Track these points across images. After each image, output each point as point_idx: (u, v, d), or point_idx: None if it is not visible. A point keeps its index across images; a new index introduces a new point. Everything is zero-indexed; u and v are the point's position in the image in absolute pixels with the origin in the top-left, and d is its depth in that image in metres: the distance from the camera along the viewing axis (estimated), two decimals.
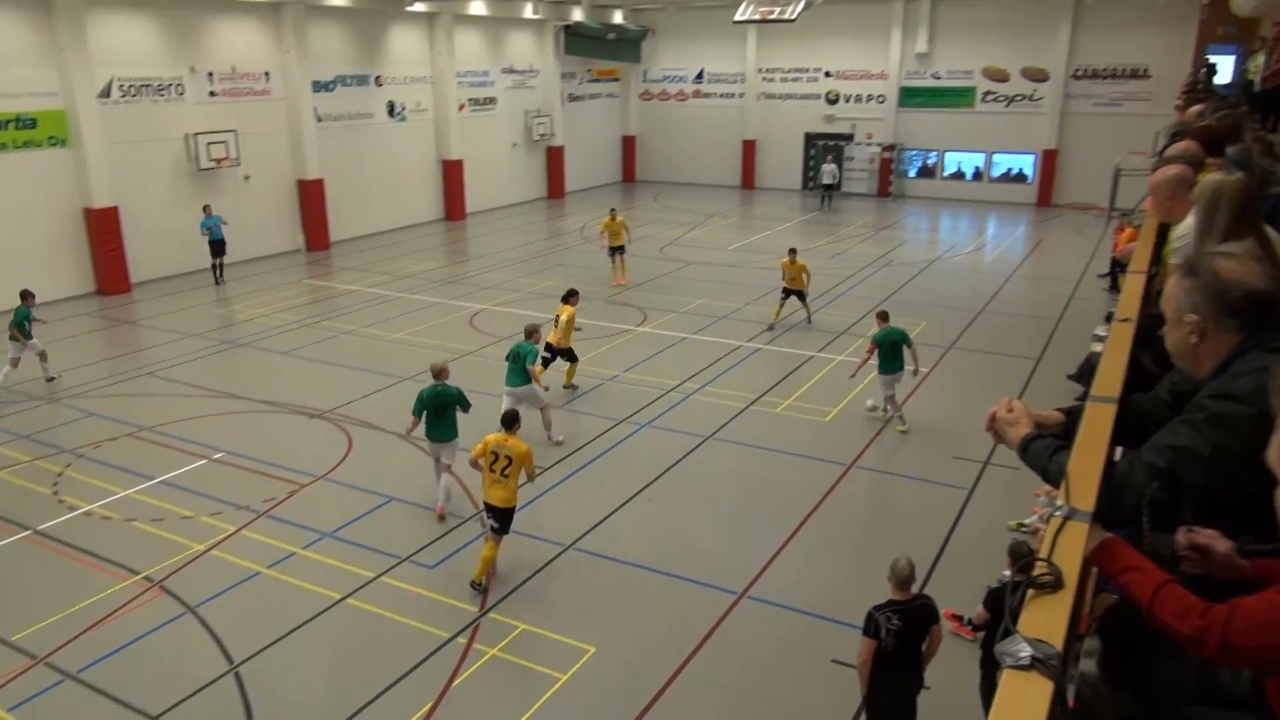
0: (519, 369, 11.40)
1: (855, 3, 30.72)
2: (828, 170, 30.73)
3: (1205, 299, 2.47)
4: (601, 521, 9.79)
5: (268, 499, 10.33)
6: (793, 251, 16.59)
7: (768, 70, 33.78)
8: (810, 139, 33.40)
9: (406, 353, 15.42)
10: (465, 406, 9.87)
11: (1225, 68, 23.98)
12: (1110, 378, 3.15)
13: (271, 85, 22.81)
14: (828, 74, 32.74)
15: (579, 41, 32.18)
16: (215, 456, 11.47)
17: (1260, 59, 15.84)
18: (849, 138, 32.65)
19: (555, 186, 32.91)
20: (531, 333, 11.73)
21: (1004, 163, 30.81)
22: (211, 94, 21.51)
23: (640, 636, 7.85)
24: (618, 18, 33.96)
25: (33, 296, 14.13)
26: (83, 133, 18.83)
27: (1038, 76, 29.56)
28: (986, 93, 30.38)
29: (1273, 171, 10.21)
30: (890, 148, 31.71)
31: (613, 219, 19.67)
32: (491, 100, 30.05)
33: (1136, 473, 2.40)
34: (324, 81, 24.19)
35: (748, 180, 34.71)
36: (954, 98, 30.90)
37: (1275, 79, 14.54)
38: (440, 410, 9.75)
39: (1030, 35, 29.25)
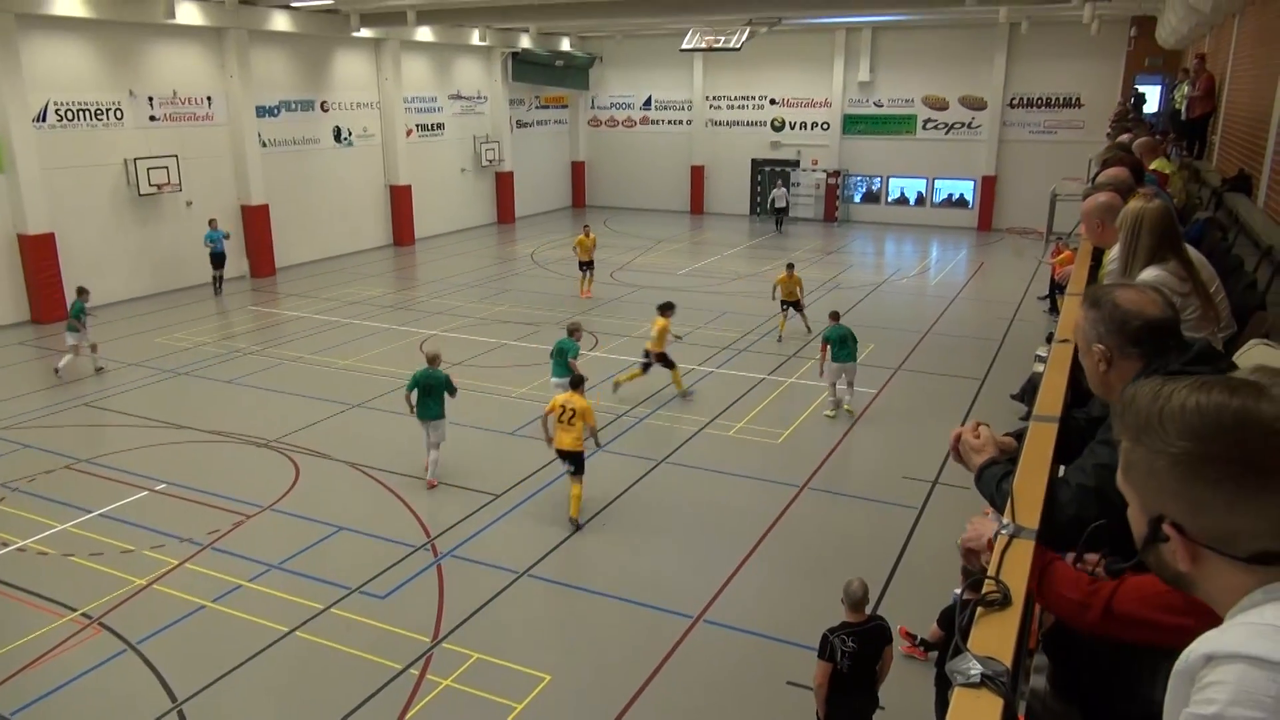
0: (561, 363, 12.26)
1: (798, 32, 31.35)
2: (778, 194, 31.22)
3: (1108, 329, 2.59)
4: (554, 548, 9.74)
5: (212, 531, 10.09)
6: (790, 266, 17.94)
7: (714, 98, 34.25)
8: (757, 165, 33.89)
9: (355, 380, 15.23)
10: (452, 391, 11.09)
11: (1153, 97, 24.98)
12: (1051, 398, 3.25)
13: (214, 110, 22.51)
14: (773, 101, 33.30)
15: (527, 68, 32.35)
16: (157, 488, 11.19)
17: (1184, 89, 16.53)
18: (795, 164, 33.20)
19: (505, 212, 32.89)
20: (574, 331, 12.51)
21: (945, 188, 31.58)
22: (152, 119, 21.15)
23: (596, 663, 7.81)
24: (565, 45, 34.22)
25: (88, 292, 15.61)
26: (17, 158, 18.37)
27: (976, 105, 30.42)
28: (927, 120, 31.16)
29: (1199, 199, 10.64)
30: (835, 174, 32.31)
31: (586, 235, 20.98)
32: (440, 126, 30.00)
33: (1064, 493, 2.50)
34: (268, 106, 23.94)
35: (696, 205, 35.06)
36: (896, 125, 31.64)
37: (1200, 108, 15.18)
38: (429, 390, 10.98)
39: (968, 65, 30.12)
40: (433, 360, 11.16)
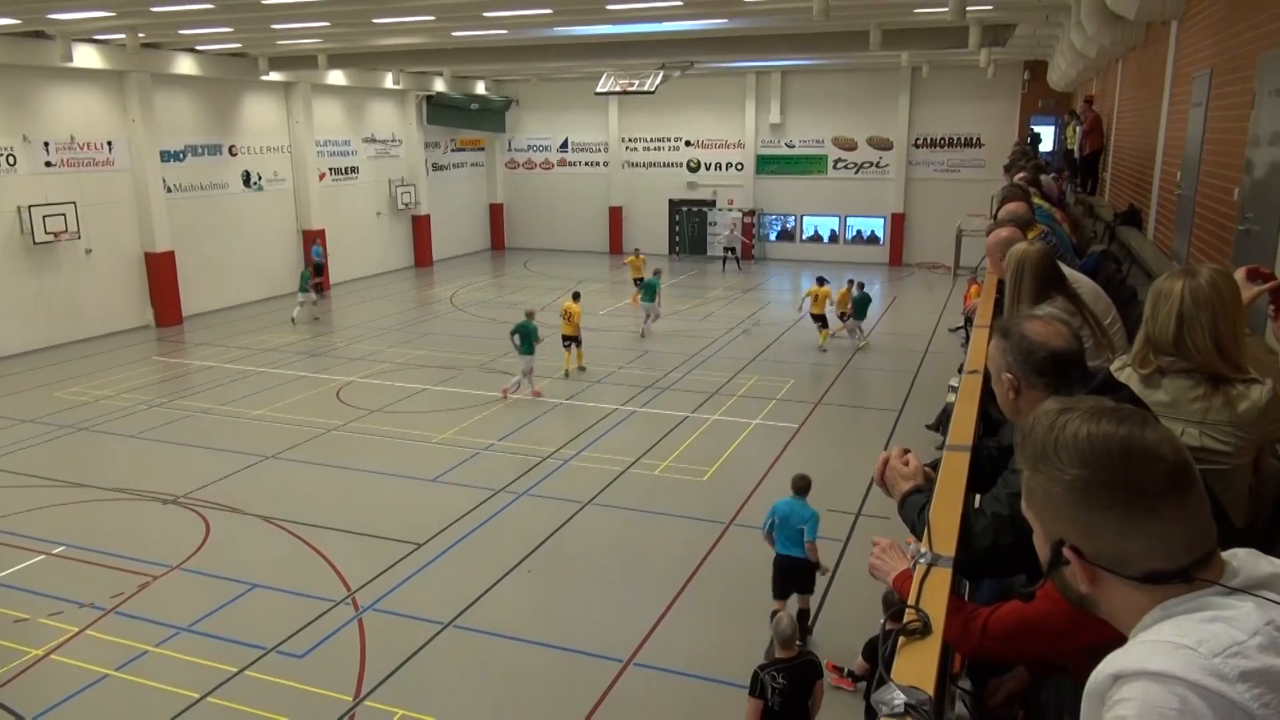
0: (528, 343, 15.87)
1: (711, 76, 32.10)
2: (727, 234, 31.83)
3: (1016, 359, 2.69)
4: (480, 597, 9.56)
5: (115, 594, 9.61)
6: (820, 280, 20.07)
7: (631, 139, 34.73)
8: (674, 205, 34.40)
9: (268, 430, 14.78)
10: (538, 338, 16.05)
11: (1048, 136, 26.29)
12: (963, 427, 3.35)
13: (115, 155, 21.83)
14: (688, 143, 33.93)
15: (442, 111, 32.33)
16: (54, 551, 10.61)
17: (1075, 129, 17.46)
18: (711, 204, 33.81)
19: (422, 255, 32.59)
20: (531, 314, 16.38)
21: (857, 225, 32.54)
22: (48, 164, 20.40)
23: (526, 713, 7.66)
24: (480, 88, 34.34)
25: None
26: None
27: (883, 145, 31.53)
28: (837, 160, 32.14)
29: (1094, 232, 11.19)
30: (751, 213, 33.00)
31: (637, 255, 23.57)
32: (354, 169, 29.68)
33: (979, 522, 2.57)
34: (173, 151, 23.35)
35: (615, 246, 35.32)
36: (808, 165, 32.55)
37: (1090, 145, 16.04)
38: (525, 336, 15.75)
39: (874, 107, 31.24)
40: (530, 315, 16.25)
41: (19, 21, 17.19)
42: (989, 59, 21.82)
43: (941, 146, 31.00)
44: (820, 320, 20.01)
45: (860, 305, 19.99)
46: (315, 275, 25.61)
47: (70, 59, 19.19)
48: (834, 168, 32.21)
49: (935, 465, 3.07)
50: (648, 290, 21.04)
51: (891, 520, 3.04)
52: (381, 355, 19.78)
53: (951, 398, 11.13)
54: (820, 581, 9.28)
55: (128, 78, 21.63)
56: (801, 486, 8.36)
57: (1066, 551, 1.52)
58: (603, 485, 12.38)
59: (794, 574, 8.29)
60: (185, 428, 15.06)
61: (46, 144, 20.34)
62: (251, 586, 9.78)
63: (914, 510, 2.80)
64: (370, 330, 22.44)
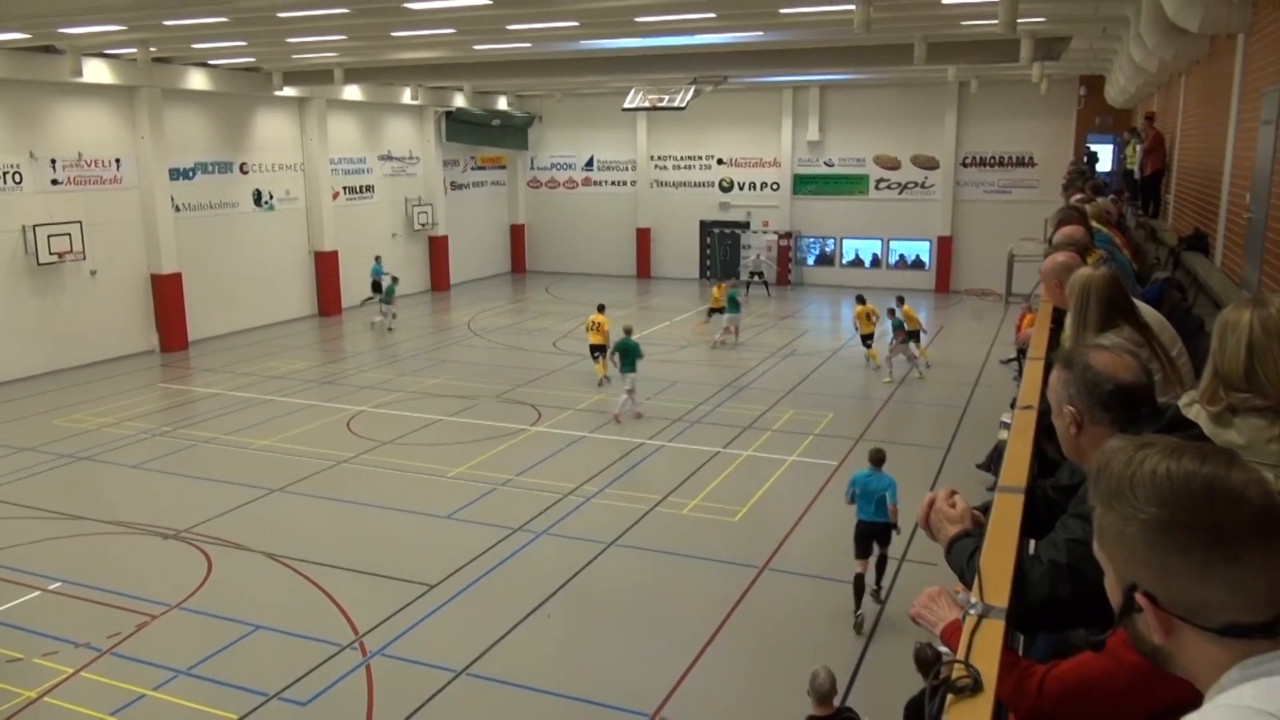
0: (630, 361, 16.92)
1: (745, 91, 32.31)
2: (754, 258, 32.01)
3: (1079, 391, 2.65)
4: (496, 643, 9.54)
5: (112, 634, 9.69)
6: (860, 298, 20.99)
7: (660, 157, 34.97)
8: (706, 227, 34.51)
9: (274, 461, 14.91)
10: (640, 355, 17.04)
11: (1106, 155, 26.16)
12: (1016, 467, 3.31)
13: (123, 173, 22.32)
14: (720, 161, 34.10)
15: (462, 128, 32.76)
16: (50, 587, 10.73)
17: (1135, 148, 17.35)
18: (745, 225, 33.88)
19: (439, 278, 32.89)
20: (630, 330, 17.78)
21: (901, 249, 32.45)
22: (54, 182, 20.89)
23: None
24: (502, 104, 34.77)
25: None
26: None
27: (928, 164, 31.50)
28: (880, 180, 32.13)
29: (1156, 258, 11.09)
30: (787, 235, 33.02)
31: (719, 288, 23.80)
32: (369, 188, 30.10)
33: (1035, 570, 2.52)
34: (182, 169, 23.82)
35: (643, 269, 35.47)
36: (848, 185, 32.57)
37: (1151, 165, 15.92)
38: (626, 353, 16.86)
39: (918, 124, 31.24)
40: (628, 331, 17.52)
41: (29, 36, 17.66)
42: (1042, 73, 21.80)
43: (991, 166, 30.92)
44: (868, 341, 20.69)
45: (895, 326, 20.05)
46: (374, 291, 27.61)
47: (80, 74, 19.68)
48: (876, 188, 32.20)
49: (985, 508, 3.03)
50: (731, 302, 23.06)
51: (938, 567, 3.00)
52: (395, 384, 19.93)
53: (1003, 435, 11.01)
54: (858, 642, 9.15)
55: (138, 93, 22.15)
56: (878, 459, 10.10)
57: (1140, 597, 1.49)
58: (627, 525, 12.33)
59: (873, 535, 9.91)
60: (189, 458, 15.22)
61: (53, 161, 20.84)
62: (254, 628, 9.83)
63: (962, 556, 2.76)
64: (383, 357, 22.63)
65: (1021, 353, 18.14)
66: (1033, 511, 2.99)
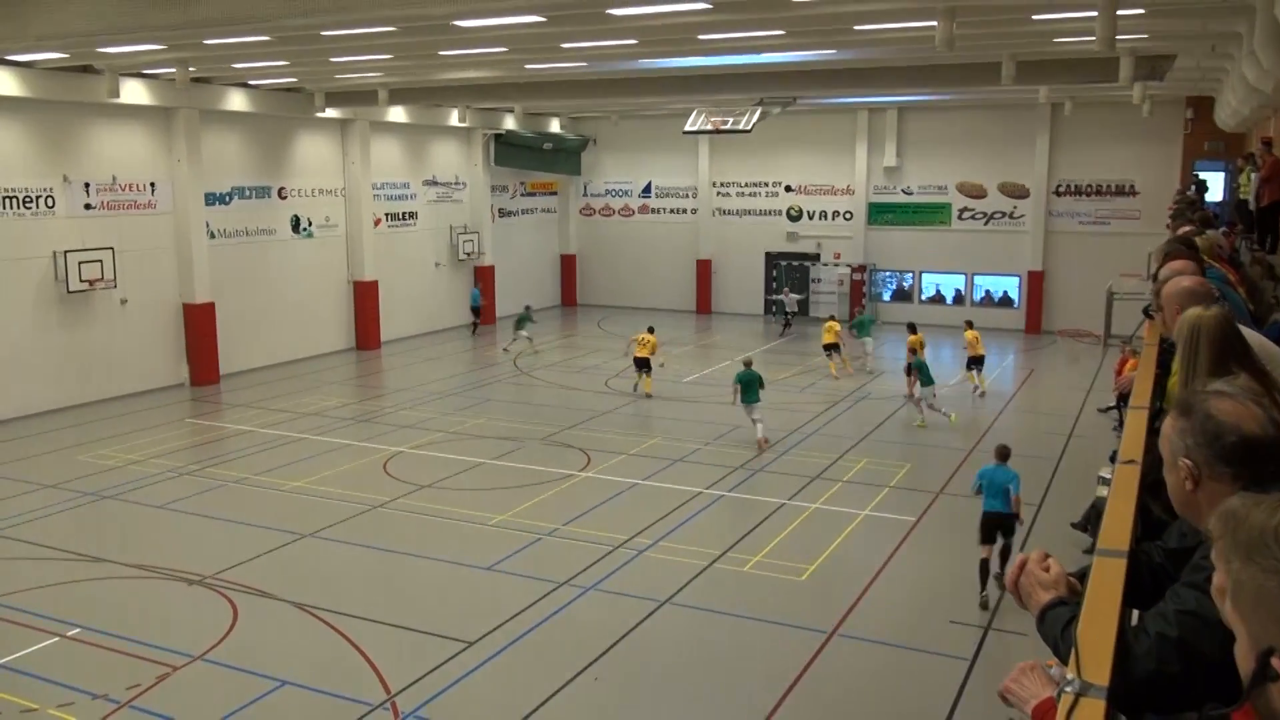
0: (753, 391, 18.04)
1: (816, 113, 32.39)
2: (788, 300, 31.79)
3: (1198, 443, 2.55)
4: (538, 707, 9.48)
5: (132, 685, 9.84)
6: (911, 327, 22.04)
7: (723, 184, 35.15)
8: (772, 259, 34.50)
9: (307, 504, 15.11)
10: (763, 384, 18.27)
11: (1216, 184, 25.65)
12: (1117, 528, 3.20)
13: (157, 197, 23.04)
14: (789, 188, 34.17)
15: (511, 151, 33.28)
16: (69, 633, 10.95)
17: (1251, 175, 16.97)
18: (815, 258, 33.81)
19: (485, 311, 33.26)
20: (749, 362, 18.96)
21: (986, 285, 32.08)
22: (87, 207, 21.63)
23: None
24: (555, 126, 35.30)
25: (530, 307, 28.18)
26: None
27: (1017, 193, 31.19)
28: (963, 209, 31.89)
29: (1275, 298, 10.82)
30: (860, 268, 32.86)
31: (832, 321, 25.07)
32: (412, 215, 30.66)
33: (1141, 644, 2.43)
34: (219, 194, 24.51)
35: (703, 304, 35.54)
36: (928, 215, 32.37)
37: (1269, 196, 15.56)
38: (746, 385, 18.04)
39: (1006, 149, 31.00)
40: (748, 364, 18.73)
41: (67, 55, 18.43)
42: (1144, 94, 21.51)
43: (1088, 195, 30.52)
44: (972, 363, 22.33)
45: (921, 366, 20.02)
46: (474, 316, 31.21)
47: (117, 94, 20.41)
48: (959, 218, 31.95)
49: (1083, 574, 2.95)
50: (861, 326, 25.74)
51: (1029, 637, 2.93)
52: (435, 423, 20.13)
53: (1102, 492, 10.81)
54: (939, 709, 8.92)
55: (175, 114, 22.92)
56: (1004, 454, 11.99)
57: (1277, 663, 1.43)
58: (683, 581, 12.24)
59: (998, 525, 11.60)
60: (217, 499, 15.50)
61: (87, 185, 21.61)
62: (280, 684, 9.91)
63: (1056, 626, 2.68)
64: (423, 395, 22.90)
65: (1122, 400, 17.75)
66: (1136, 578, 2.90)
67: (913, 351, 20.44)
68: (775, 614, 11.40)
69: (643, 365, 22.22)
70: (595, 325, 33.25)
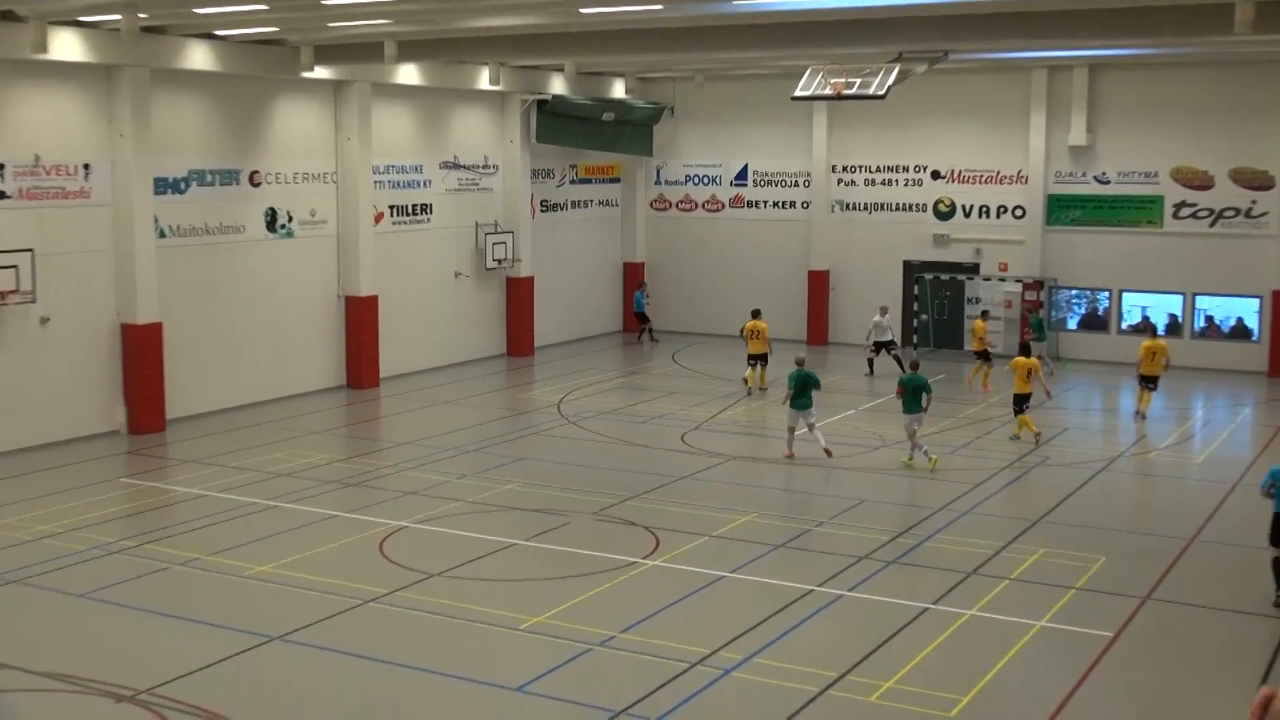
0: (804, 394, 21.70)
1: (974, 72, 32.22)
2: (883, 323, 30.70)
3: None
4: None
5: None
6: (1154, 329, 24.64)
7: (846, 169, 35.09)
8: (913, 270, 34.25)
9: (276, 596, 15.17)
10: (818, 385, 22.23)
11: None
12: None
13: (92, 183, 23.52)
14: (937, 175, 33.99)
15: (559, 124, 33.51)
16: None
17: None
18: (973, 268, 33.44)
19: (519, 338, 33.47)
20: (801, 360, 22.88)
21: (1212, 309, 31.44)
22: (3, 195, 22.17)
23: None
24: (618, 90, 35.48)
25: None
26: None
27: (1257, 183, 30.61)
28: (1180, 205, 31.37)
29: None
30: (1036, 285, 32.39)
31: (982, 320, 28.51)
32: (425, 208, 31.02)
33: None
34: (172, 179, 24.98)
35: (817, 330, 35.41)
36: (1131, 212, 31.89)
37: None
38: (804, 387, 21.61)
39: (1243, 123, 30.57)
40: (800, 362, 22.50)
41: None
42: None
43: None
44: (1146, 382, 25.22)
45: (910, 390, 21.86)
46: (641, 323, 35.21)
47: (45, 49, 20.92)
48: (1175, 216, 31.43)
49: None
50: (1039, 327, 30.17)
51: None
52: (448, 489, 20.18)
53: None
54: None
55: (118, 75, 23.43)
56: None
57: None
58: (787, 713, 12.05)
59: None
60: (157, 587, 15.62)
61: (2, 167, 22.18)
62: None
63: None
64: (434, 450, 22.98)
65: None
66: None
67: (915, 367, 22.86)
68: None
69: (758, 359, 27.89)
70: (669, 359, 33.20)
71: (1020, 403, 23.48)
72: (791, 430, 22.10)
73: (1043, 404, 24.30)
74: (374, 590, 15.39)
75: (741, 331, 29.04)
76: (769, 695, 12.50)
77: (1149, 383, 25.20)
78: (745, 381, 28.31)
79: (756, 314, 28.59)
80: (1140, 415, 25.49)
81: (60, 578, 16.02)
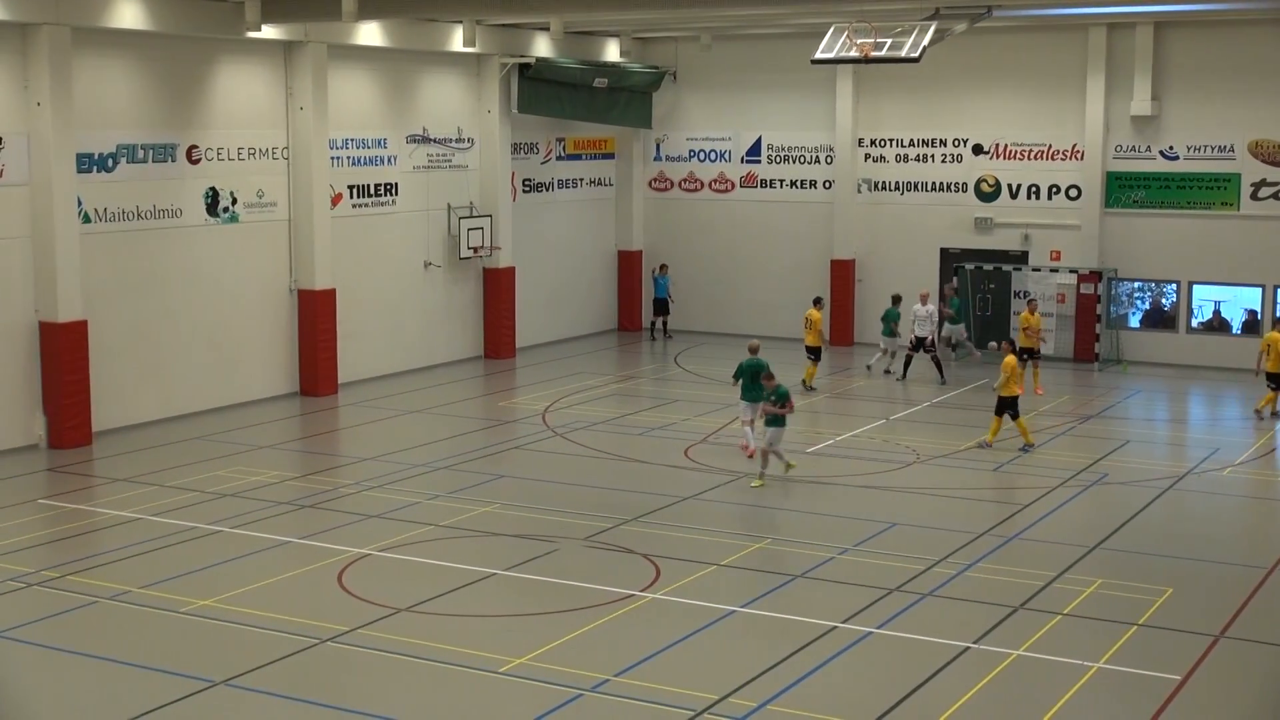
0: (753, 384, 22.32)
1: (1022, 31, 32.29)
2: (922, 313, 30.57)
3: None
4: None
5: None
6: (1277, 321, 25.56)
7: (875, 142, 35.14)
8: (951, 259, 34.27)
9: (219, 635, 15.19)
10: (771, 376, 21.79)
11: None
12: None
13: (5, 160, 23.46)
14: (979, 150, 34.02)
15: (545, 91, 33.52)
16: None
17: None
18: (1020, 257, 33.45)
19: (499, 338, 33.47)
20: (756, 349, 23.43)
21: None
22: None
23: None
24: (612, 53, 35.45)
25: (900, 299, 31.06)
26: None
27: None
28: (1260, 184, 31.40)
29: None
30: (1093, 276, 32.40)
31: (1031, 313, 28.90)
32: (390, 188, 31.04)
33: None
34: (98, 155, 24.96)
35: (841, 328, 35.44)
36: (1203, 192, 31.93)
37: None
38: (754, 377, 22.07)
39: None
40: (754, 350, 23.10)
41: None
42: None
43: None
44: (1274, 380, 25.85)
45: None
46: (658, 313, 36.02)
47: None
48: (1254, 197, 31.49)
49: None
50: (956, 309, 32.41)
51: None
52: (418, 511, 20.20)
53: None
54: None
55: (35, 35, 23.33)
56: None
57: None
58: None
59: None
60: (82, 624, 15.64)
61: None
62: None
63: None
64: (401, 467, 23.01)
65: None
66: None
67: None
68: None
69: (813, 352, 29.69)
70: (671, 362, 33.20)
71: (1006, 406, 23.67)
72: (747, 424, 23.12)
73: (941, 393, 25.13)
74: (332, 628, 15.41)
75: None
76: None
77: (1274, 381, 26.20)
78: (804, 382, 29.37)
79: (817, 302, 30.61)
80: (1260, 414, 26.58)
81: None
